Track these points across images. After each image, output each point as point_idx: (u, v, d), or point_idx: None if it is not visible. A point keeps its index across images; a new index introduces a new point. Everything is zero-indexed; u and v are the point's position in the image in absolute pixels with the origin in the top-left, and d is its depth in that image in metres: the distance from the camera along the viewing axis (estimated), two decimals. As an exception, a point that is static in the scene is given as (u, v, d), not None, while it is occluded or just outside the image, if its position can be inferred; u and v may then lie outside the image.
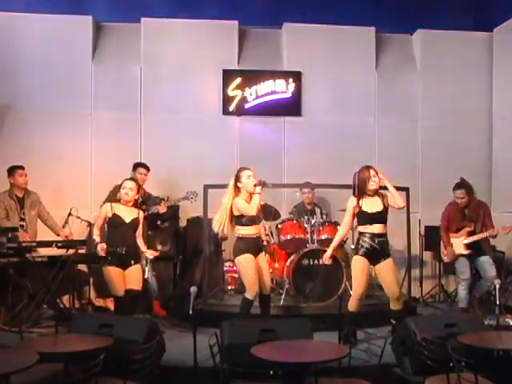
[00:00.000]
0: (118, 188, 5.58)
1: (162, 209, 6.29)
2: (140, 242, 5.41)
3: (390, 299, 5.15)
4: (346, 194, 6.87)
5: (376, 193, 5.13)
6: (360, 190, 5.13)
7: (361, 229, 5.13)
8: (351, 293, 6.13)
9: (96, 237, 5.24)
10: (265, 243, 5.34)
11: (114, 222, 5.21)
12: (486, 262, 6.02)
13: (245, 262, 5.13)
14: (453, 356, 3.25)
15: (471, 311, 6.06)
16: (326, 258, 5.41)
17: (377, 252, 5.05)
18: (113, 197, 5.69)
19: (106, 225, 5.34)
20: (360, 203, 5.11)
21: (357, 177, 5.16)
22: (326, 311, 5.76)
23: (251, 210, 5.08)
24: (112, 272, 5.09)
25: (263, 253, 5.30)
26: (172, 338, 5.11)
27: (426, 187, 7.63)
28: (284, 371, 3.59)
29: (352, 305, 5.12)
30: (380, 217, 5.08)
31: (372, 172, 5.09)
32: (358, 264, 5.08)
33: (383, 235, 5.10)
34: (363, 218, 5.10)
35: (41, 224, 6.38)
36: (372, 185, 5.07)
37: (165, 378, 4.19)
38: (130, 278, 5.15)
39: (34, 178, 6.43)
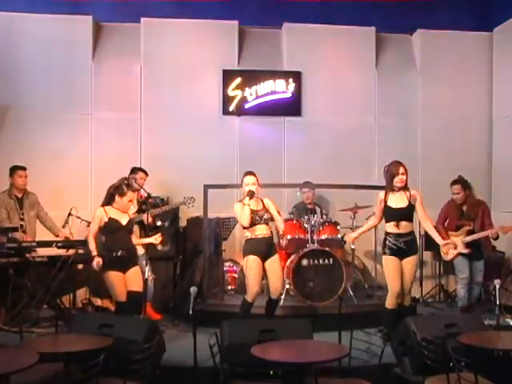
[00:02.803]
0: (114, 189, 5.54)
1: (145, 219, 6.10)
2: (137, 240, 5.43)
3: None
4: (346, 194, 6.96)
5: (403, 189, 5.14)
6: (387, 184, 5.16)
7: (388, 228, 5.12)
8: (351, 293, 6.20)
9: (92, 249, 5.11)
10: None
11: (111, 226, 5.11)
12: (477, 267, 6.10)
13: (247, 263, 5.14)
14: (453, 356, 3.25)
15: (471, 309, 6.06)
16: (350, 239, 5.53)
17: (403, 251, 5.08)
18: (111, 199, 5.56)
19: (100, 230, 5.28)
20: (386, 198, 5.12)
21: (386, 170, 5.21)
22: (326, 311, 5.77)
23: (242, 221, 5.16)
24: (113, 276, 5.02)
25: (276, 256, 5.27)
26: (172, 338, 5.12)
27: (425, 187, 7.58)
28: (284, 371, 3.59)
29: (389, 303, 5.13)
30: (405, 213, 5.08)
31: (401, 170, 5.12)
32: (389, 263, 5.11)
33: (409, 234, 5.10)
34: (388, 213, 5.10)
35: (40, 224, 6.38)
36: (397, 182, 5.09)
37: (165, 378, 4.20)
38: (130, 280, 5.11)
39: (34, 178, 6.43)
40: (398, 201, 5.10)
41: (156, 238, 5.38)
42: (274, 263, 5.23)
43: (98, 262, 5.04)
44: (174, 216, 6.78)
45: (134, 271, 5.17)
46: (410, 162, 7.63)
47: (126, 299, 5.04)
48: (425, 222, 5.19)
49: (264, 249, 5.17)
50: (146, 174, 6.50)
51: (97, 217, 5.20)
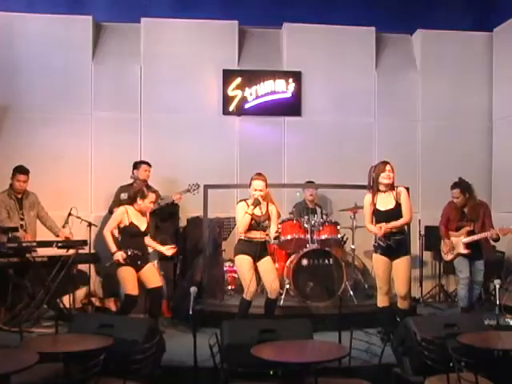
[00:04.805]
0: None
1: (176, 199, 6.43)
2: (151, 242, 5.49)
3: (397, 297, 5.18)
4: (346, 194, 6.95)
5: (390, 189, 5.11)
6: (373, 185, 5.12)
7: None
8: (351, 293, 6.19)
9: (112, 245, 5.15)
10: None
11: (131, 231, 5.21)
12: (477, 267, 6.08)
13: (238, 262, 5.16)
14: (453, 356, 3.25)
15: (472, 310, 6.06)
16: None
17: (393, 250, 5.05)
18: (133, 200, 5.42)
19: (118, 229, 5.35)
20: (374, 201, 5.09)
21: (372, 170, 5.17)
22: (326, 311, 5.76)
23: (239, 226, 5.15)
24: (125, 271, 5.13)
25: (268, 257, 5.25)
26: (172, 337, 5.11)
27: (425, 187, 7.63)
28: (284, 371, 3.59)
29: (380, 301, 5.16)
30: (393, 214, 5.05)
31: (388, 167, 5.09)
32: (378, 262, 5.13)
33: (399, 233, 5.06)
34: (378, 215, 5.08)
35: (40, 224, 6.38)
36: (384, 178, 5.05)
37: (165, 378, 4.20)
38: (148, 278, 5.27)
39: (34, 178, 6.41)
40: (385, 202, 5.08)
41: (168, 249, 5.45)
42: (266, 264, 5.21)
43: (122, 255, 5.11)
44: (174, 215, 6.79)
45: (149, 268, 5.31)
46: (410, 161, 7.74)
47: (136, 293, 5.13)
48: (403, 217, 5.06)
49: (255, 250, 5.12)
50: (150, 165, 6.58)
51: (118, 215, 5.27)
